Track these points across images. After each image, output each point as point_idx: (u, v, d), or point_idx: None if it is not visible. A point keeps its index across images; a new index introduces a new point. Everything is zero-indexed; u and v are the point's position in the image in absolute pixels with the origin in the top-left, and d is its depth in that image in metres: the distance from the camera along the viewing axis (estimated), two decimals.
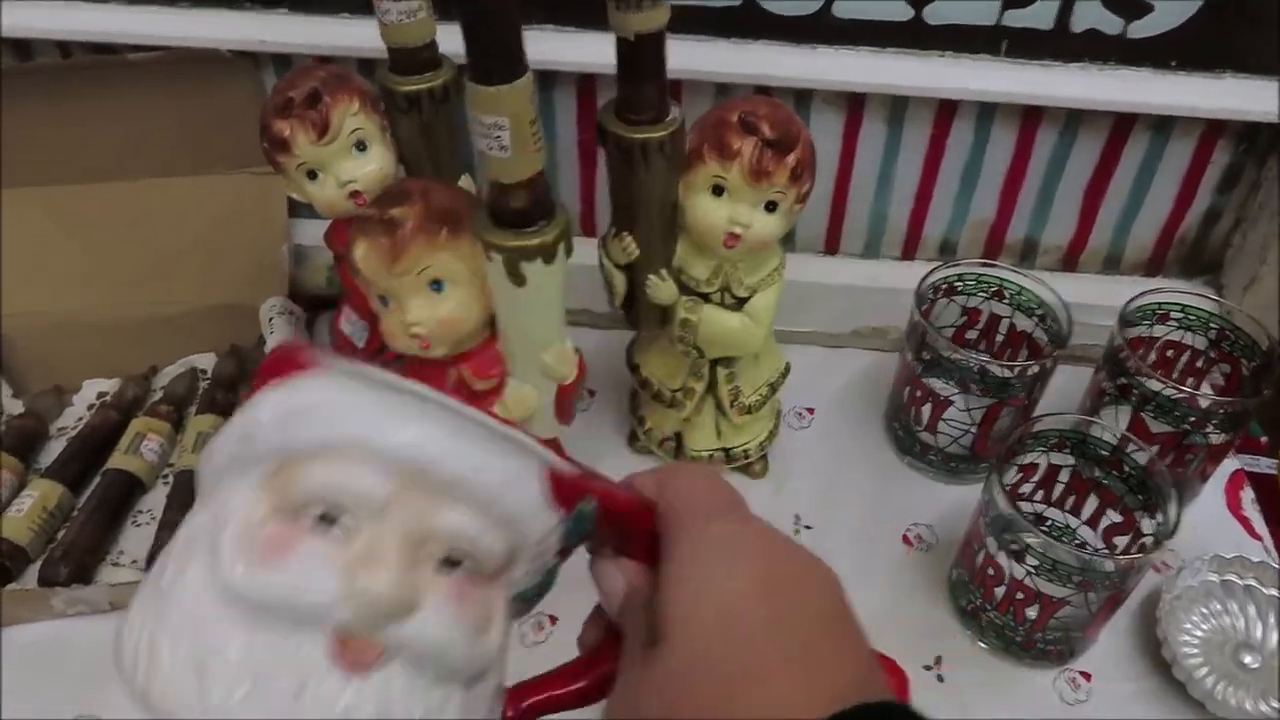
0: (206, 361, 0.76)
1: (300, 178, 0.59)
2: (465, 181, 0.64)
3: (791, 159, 0.55)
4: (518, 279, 0.48)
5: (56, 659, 0.59)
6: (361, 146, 0.59)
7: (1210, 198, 0.72)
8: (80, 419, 0.72)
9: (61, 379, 0.74)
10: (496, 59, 0.42)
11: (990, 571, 0.58)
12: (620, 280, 0.61)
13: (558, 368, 0.53)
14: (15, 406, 0.72)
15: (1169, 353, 0.69)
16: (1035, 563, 0.54)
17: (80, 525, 0.63)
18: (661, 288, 0.61)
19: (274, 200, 0.75)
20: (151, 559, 0.62)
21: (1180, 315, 0.67)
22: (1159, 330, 0.68)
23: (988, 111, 0.69)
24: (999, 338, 0.72)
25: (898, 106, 0.69)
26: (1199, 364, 0.68)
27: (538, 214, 0.47)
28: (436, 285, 0.50)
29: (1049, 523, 0.65)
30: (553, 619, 0.62)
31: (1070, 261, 0.76)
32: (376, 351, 0.67)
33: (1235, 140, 0.68)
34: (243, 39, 0.68)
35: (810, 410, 0.75)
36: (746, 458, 0.69)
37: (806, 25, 0.66)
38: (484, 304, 0.52)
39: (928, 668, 0.61)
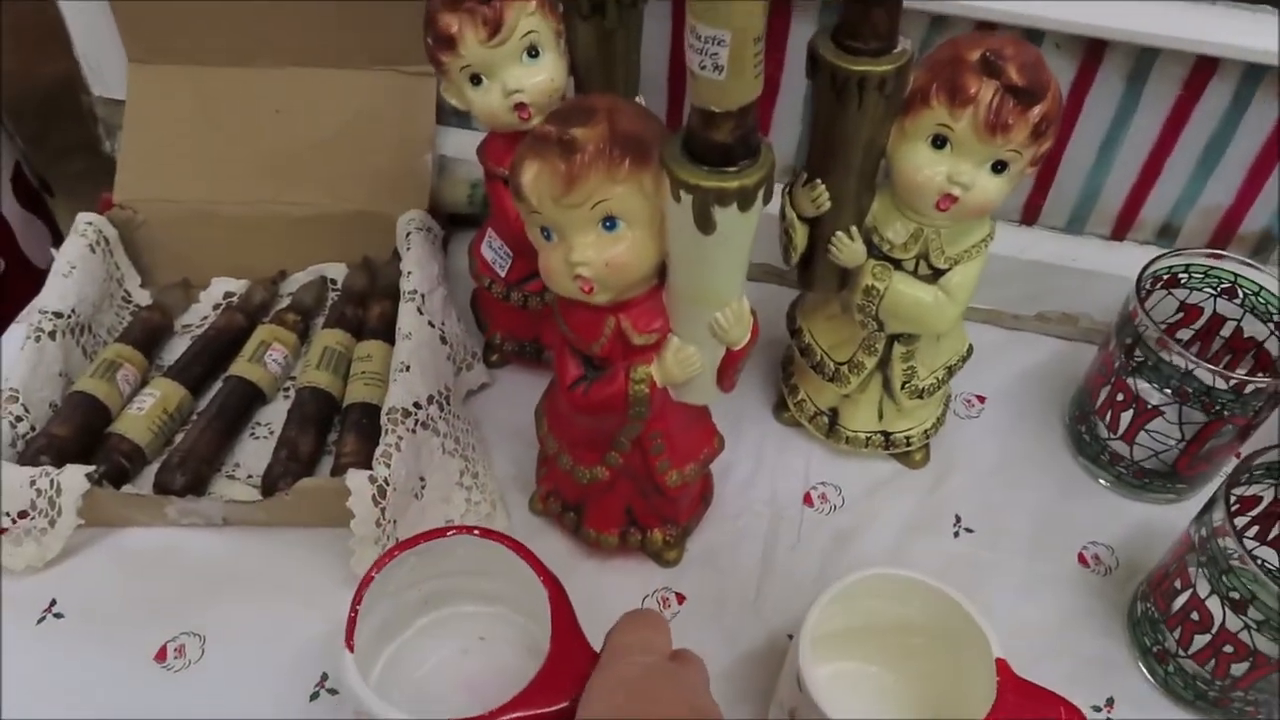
0: (336, 271, 0.71)
1: (462, 81, 0.53)
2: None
3: (1036, 112, 0.46)
4: (707, 225, 0.41)
5: (166, 567, 0.56)
6: (533, 52, 0.53)
7: None
8: (205, 318, 0.69)
9: (189, 272, 0.70)
10: None
11: (1194, 615, 0.50)
12: (802, 234, 0.54)
13: (731, 330, 0.46)
14: (143, 296, 0.69)
15: None
16: (1261, 617, 0.46)
17: (199, 433, 0.60)
18: (850, 248, 0.53)
19: (422, 103, 0.70)
20: (268, 475, 0.58)
21: None
22: None
23: (1254, 75, 0.58)
24: (1218, 340, 0.63)
25: (1145, 59, 0.59)
26: None
27: (741, 151, 0.40)
28: (610, 222, 0.44)
29: (1260, 562, 0.57)
30: (680, 597, 0.57)
31: None
32: (518, 281, 0.62)
33: None
34: None
35: (981, 398, 0.67)
36: (908, 445, 0.62)
37: None
38: (659, 248, 0.45)
39: (1097, 709, 0.54)
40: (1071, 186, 0.66)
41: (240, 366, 0.63)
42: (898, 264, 0.53)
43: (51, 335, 0.60)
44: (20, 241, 0.86)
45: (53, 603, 0.55)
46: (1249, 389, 0.54)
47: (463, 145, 0.71)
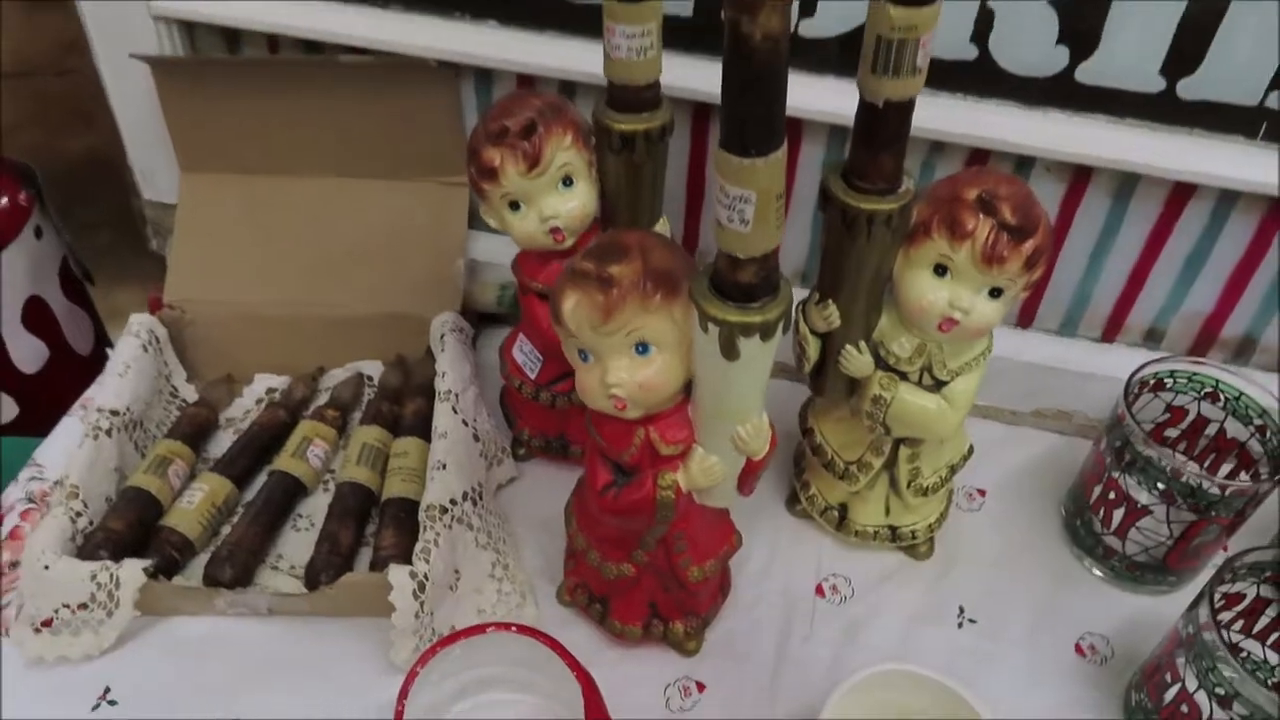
0: (373, 368, 0.75)
1: (502, 207, 0.58)
2: (663, 225, 0.62)
3: (1028, 246, 0.51)
4: (731, 353, 0.46)
5: (214, 656, 0.60)
6: (568, 181, 0.57)
7: None
8: (248, 412, 0.73)
9: (233, 368, 0.75)
10: (756, 130, 0.39)
11: (1184, 708, 0.53)
12: (815, 347, 0.58)
13: (751, 442, 0.50)
14: (188, 391, 0.74)
15: None
16: (1246, 712, 0.50)
17: (246, 526, 0.63)
18: (858, 360, 0.58)
19: (455, 211, 0.74)
20: (311, 568, 0.61)
21: None
22: None
23: (1229, 198, 0.63)
24: (1203, 440, 0.67)
25: (1127, 183, 0.64)
26: None
27: (763, 289, 0.45)
28: (642, 347, 0.48)
29: (1244, 654, 0.60)
30: (700, 686, 0.60)
31: None
32: (547, 383, 0.66)
33: None
34: (449, 49, 0.67)
35: (982, 492, 0.71)
36: (913, 538, 0.66)
37: (1041, 87, 0.61)
38: (686, 368, 0.49)
39: None
40: (1064, 293, 0.71)
41: (284, 461, 0.67)
42: (903, 375, 0.58)
43: (108, 433, 0.64)
44: (65, 331, 0.90)
45: (106, 690, 0.58)
46: (1229, 491, 0.58)
47: (492, 250, 0.76)
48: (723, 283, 0.45)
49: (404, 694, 0.50)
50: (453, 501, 0.61)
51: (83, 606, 0.58)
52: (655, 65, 0.54)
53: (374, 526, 0.65)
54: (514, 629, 0.52)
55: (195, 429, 0.69)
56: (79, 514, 0.61)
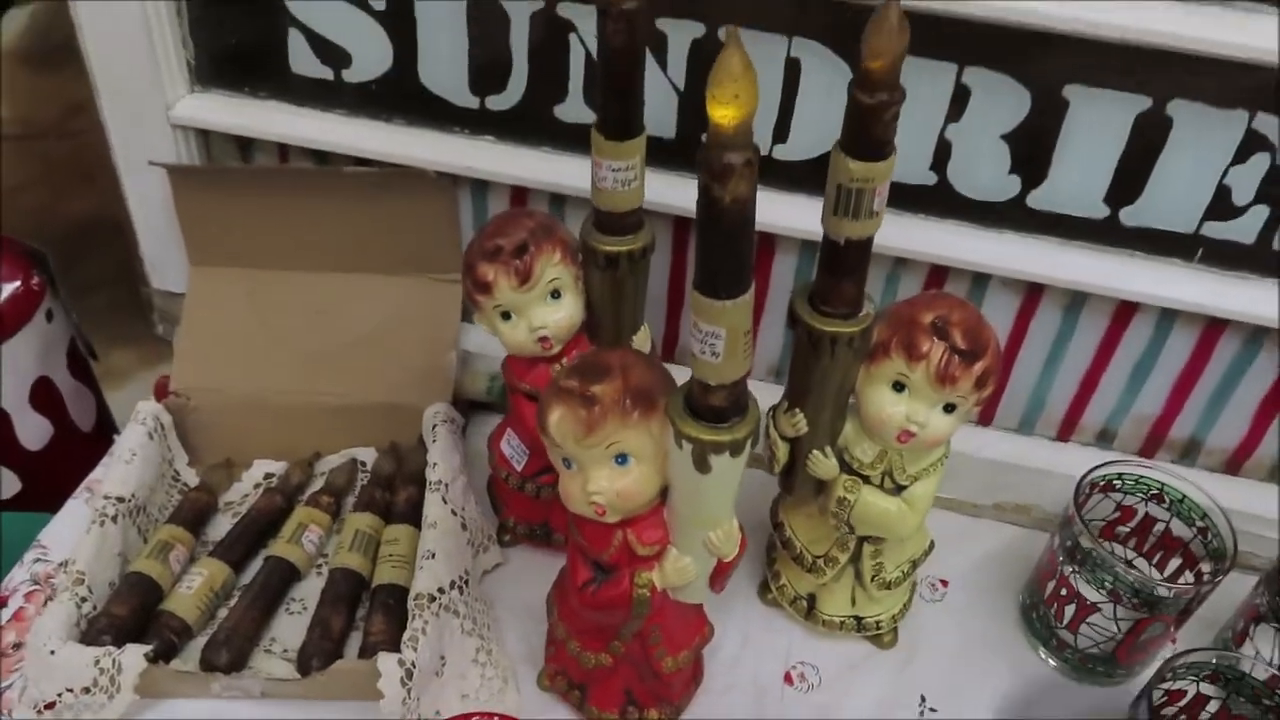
0: (367, 455, 0.79)
1: (494, 316, 0.62)
2: (643, 334, 0.66)
3: (979, 368, 0.55)
4: (704, 468, 0.50)
5: None
6: (556, 294, 0.62)
7: None
8: (246, 496, 0.77)
9: (233, 453, 0.78)
10: (726, 276, 0.44)
11: None
12: (784, 451, 0.62)
13: (722, 546, 0.54)
14: (189, 475, 0.77)
15: None
16: None
17: (242, 611, 0.66)
18: (824, 464, 0.62)
19: (448, 305, 0.79)
20: (304, 653, 0.64)
21: None
22: None
23: (1169, 316, 0.68)
24: (1151, 538, 0.71)
25: (1076, 299, 0.69)
26: None
27: (733, 411, 0.49)
28: (621, 459, 0.52)
29: None
30: None
31: (1234, 466, 0.75)
32: (532, 475, 0.70)
33: None
34: (447, 161, 0.72)
35: (945, 582, 0.75)
36: (879, 628, 0.69)
37: (996, 210, 0.66)
38: (662, 477, 0.53)
39: None
40: (1021, 395, 0.75)
41: (279, 547, 0.70)
42: (866, 479, 0.62)
43: (114, 519, 0.67)
44: (70, 409, 0.94)
45: None
46: (1173, 591, 0.62)
47: (483, 343, 0.80)
48: (696, 404, 0.49)
49: None
50: (440, 590, 0.65)
51: (85, 690, 0.61)
52: (639, 194, 0.59)
53: (364, 611, 0.68)
54: (496, 718, 0.56)
55: (196, 514, 0.73)
56: (84, 599, 0.64)
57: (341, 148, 0.73)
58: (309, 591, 0.70)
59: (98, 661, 0.60)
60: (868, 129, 0.47)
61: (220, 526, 0.74)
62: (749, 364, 0.47)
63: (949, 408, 0.57)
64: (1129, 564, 0.63)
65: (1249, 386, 0.70)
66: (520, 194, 0.74)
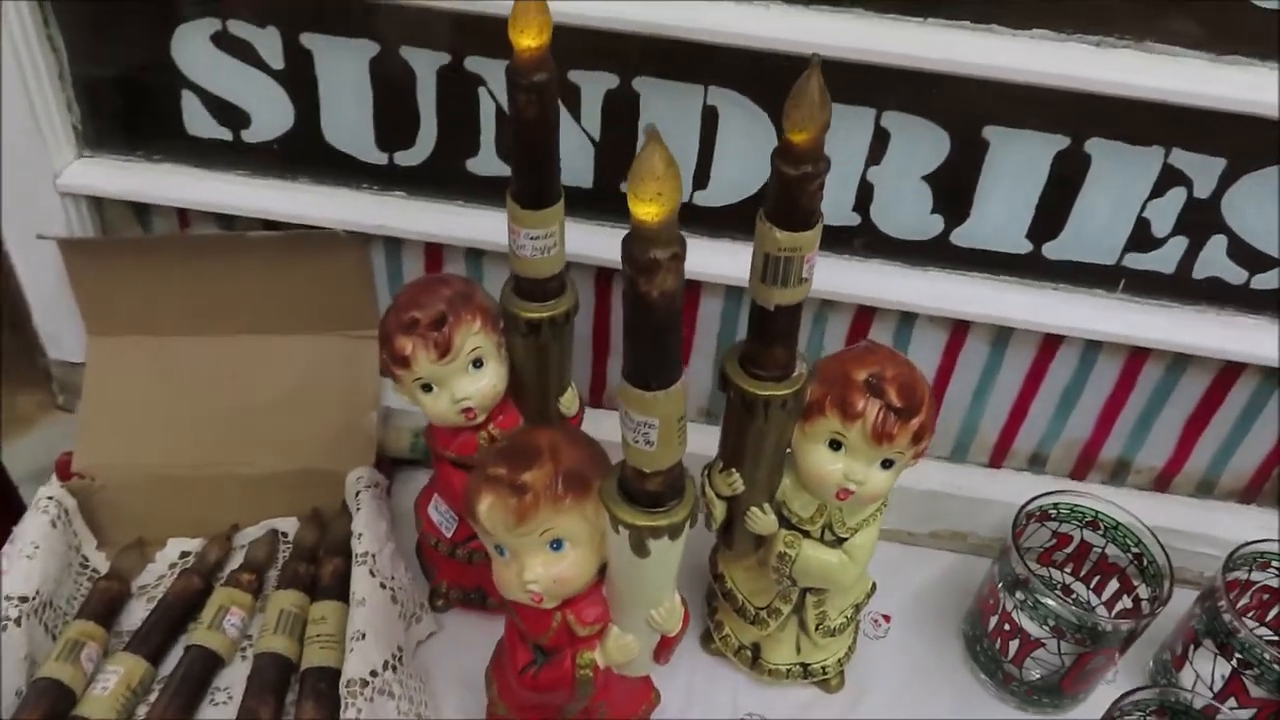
0: (287, 524, 0.75)
1: (414, 389, 0.60)
2: (570, 394, 0.64)
3: (915, 424, 0.54)
4: (642, 552, 0.48)
5: None
6: (478, 363, 0.59)
7: None
8: (161, 577, 0.73)
9: (145, 531, 0.74)
10: (656, 368, 0.42)
11: None
12: (720, 509, 0.61)
13: (665, 623, 0.53)
14: (98, 559, 0.73)
15: (1265, 596, 0.69)
16: None
17: (164, 708, 0.63)
18: (762, 520, 0.61)
19: (366, 364, 0.75)
20: None
21: None
22: (1257, 575, 0.68)
23: (1094, 346, 0.68)
24: (1087, 564, 0.71)
25: (1003, 333, 0.69)
26: None
27: (669, 496, 0.47)
28: (556, 544, 0.50)
29: None
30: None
31: (1163, 483, 0.76)
32: (464, 540, 0.68)
33: None
34: (357, 220, 0.69)
35: (887, 618, 0.75)
36: (825, 673, 0.68)
37: (921, 248, 0.66)
38: (599, 558, 0.51)
39: None
40: (953, 424, 0.75)
41: (200, 634, 0.67)
42: (806, 533, 0.61)
43: (18, 621, 0.63)
44: None
45: None
46: (1114, 626, 0.62)
47: (400, 397, 0.77)
48: (631, 489, 0.47)
49: None
50: (373, 673, 0.62)
51: None
52: (559, 259, 0.57)
53: (294, 697, 0.65)
54: None
55: (107, 605, 0.68)
56: None
57: (245, 210, 0.69)
58: (234, 679, 0.67)
59: None
60: (794, 200, 0.46)
61: (135, 614, 0.70)
62: (684, 449, 0.45)
63: (887, 463, 0.56)
64: (1067, 591, 0.63)
65: (1174, 408, 0.71)
66: (435, 250, 0.71)
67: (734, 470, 0.59)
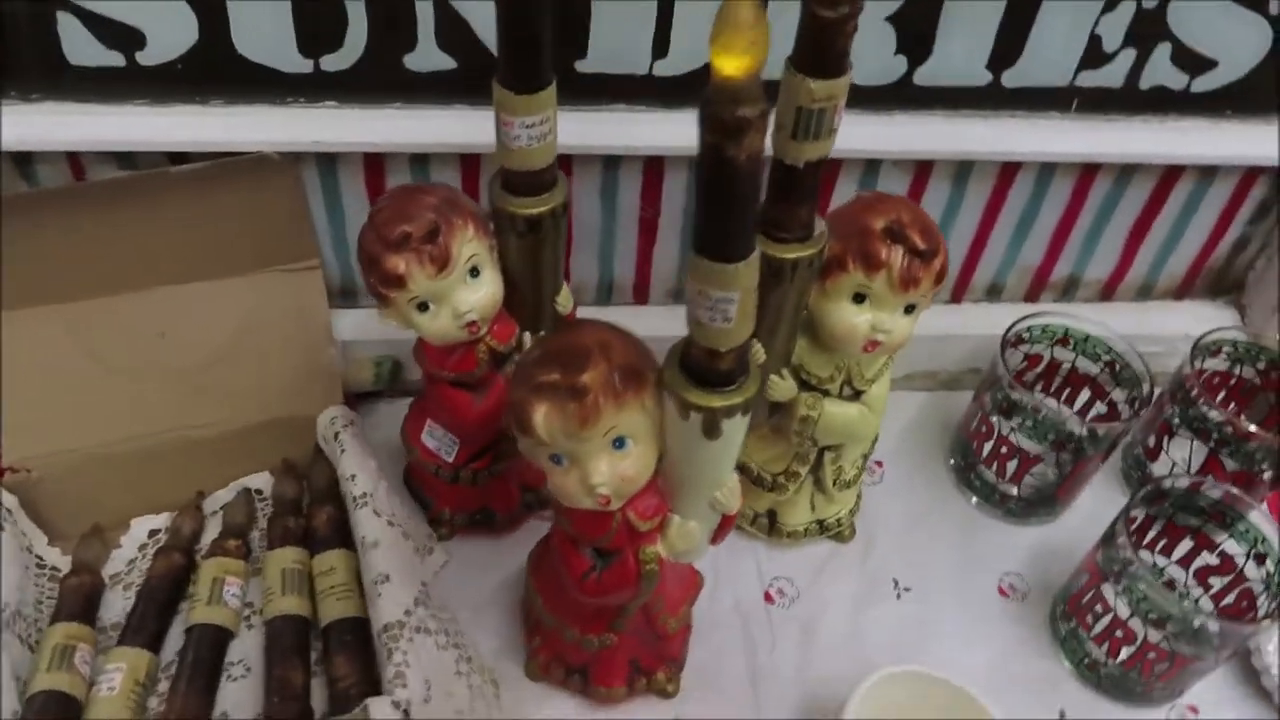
0: (258, 481, 0.70)
1: (409, 310, 0.55)
2: (565, 294, 0.61)
3: (936, 264, 0.55)
4: (714, 434, 0.47)
5: None
6: (475, 272, 0.55)
7: (1241, 229, 0.76)
8: (132, 561, 0.66)
9: (100, 516, 0.67)
10: (738, 238, 0.40)
11: (1118, 634, 0.60)
12: None
13: (728, 502, 0.52)
14: (53, 554, 0.65)
15: (1215, 381, 0.74)
16: (1178, 629, 0.57)
17: (182, 697, 0.58)
18: (781, 386, 0.60)
19: (312, 297, 0.69)
20: None
21: (1231, 349, 0.72)
22: (1209, 363, 0.73)
23: (1049, 168, 0.70)
24: (1057, 379, 0.75)
25: (963, 169, 0.69)
26: (1242, 393, 0.73)
27: (740, 372, 0.46)
28: (619, 442, 0.48)
29: (1166, 577, 0.68)
30: None
31: (1107, 294, 0.80)
32: (466, 462, 0.65)
33: (1275, 178, 0.72)
34: (285, 139, 0.62)
35: (879, 464, 0.77)
36: (839, 525, 0.70)
37: (885, 93, 0.65)
38: (658, 452, 0.50)
39: None
40: None
41: (201, 612, 0.61)
42: (825, 392, 0.61)
43: None
44: None
45: None
46: (1109, 431, 0.66)
47: (359, 326, 0.72)
48: (701, 371, 0.45)
49: None
50: (407, 613, 0.59)
51: None
52: (553, 146, 0.53)
53: (315, 655, 0.62)
54: None
55: (83, 602, 0.62)
56: None
57: (150, 145, 0.61)
58: (244, 650, 0.62)
59: None
60: (829, 45, 0.44)
61: (113, 605, 0.64)
62: (754, 321, 0.44)
63: (908, 309, 0.56)
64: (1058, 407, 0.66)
65: (1120, 219, 0.74)
66: (375, 162, 0.65)
67: (754, 339, 0.57)
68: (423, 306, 0.55)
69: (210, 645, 0.61)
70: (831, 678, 0.64)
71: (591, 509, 0.50)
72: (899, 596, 0.69)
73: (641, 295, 0.76)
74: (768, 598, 0.68)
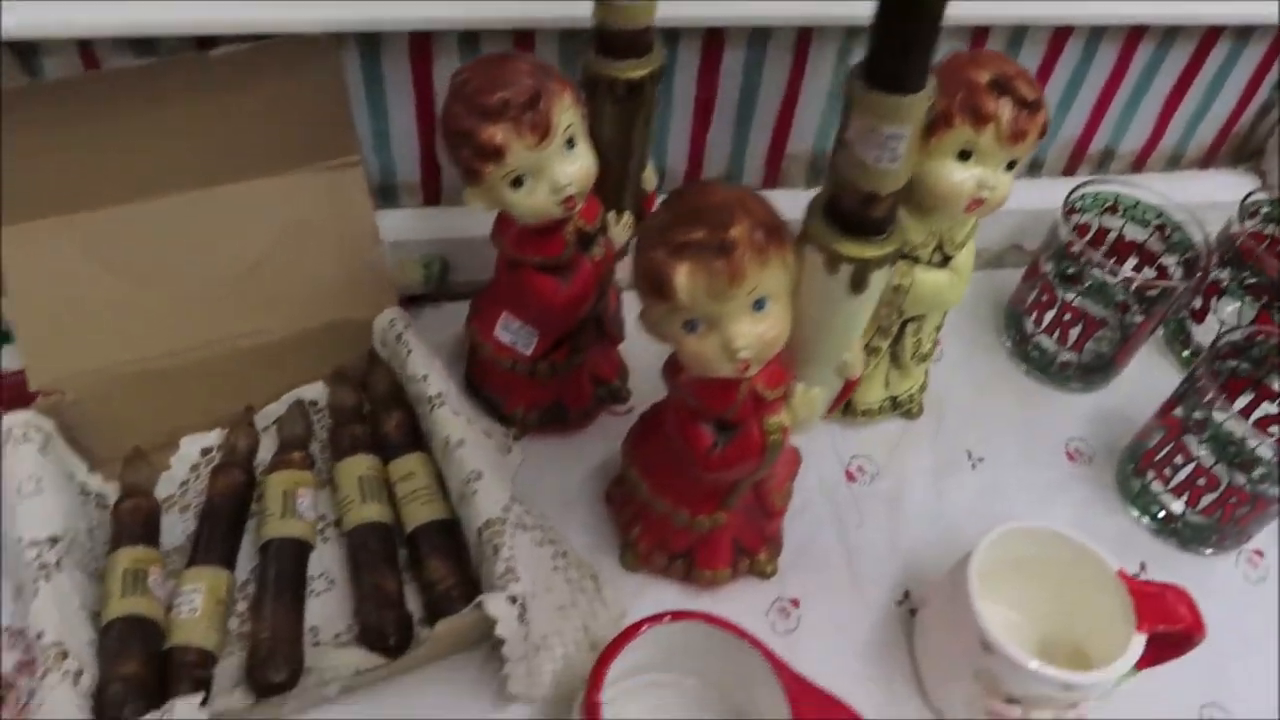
0: (309, 393, 0.66)
1: (502, 186, 0.52)
2: (650, 171, 0.58)
3: (1041, 117, 0.54)
4: (862, 288, 0.45)
5: None
6: (571, 143, 0.52)
7: (1268, 93, 0.77)
8: (184, 483, 0.62)
9: (139, 438, 0.62)
10: (916, 68, 0.38)
11: (1200, 481, 0.62)
12: None
13: (856, 364, 0.51)
14: (96, 482, 0.60)
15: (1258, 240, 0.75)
16: (1264, 471, 0.59)
17: (272, 614, 0.54)
18: None
19: (354, 195, 0.65)
20: (372, 632, 0.54)
21: (1269, 209, 0.73)
22: (1248, 224, 0.74)
23: (1097, 34, 0.70)
24: (1103, 248, 0.75)
25: (1016, 35, 0.69)
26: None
27: (890, 220, 0.44)
28: (759, 303, 0.46)
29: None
30: (794, 602, 0.61)
31: (1138, 165, 0.80)
32: (545, 354, 0.62)
33: None
34: (322, 18, 0.57)
35: (937, 342, 0.76)
36: (911, 401, 0.70)
37: None
38: (791, 312, 0.48)
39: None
40: None
41: (276, 526, 0.58)
42: (915, 259, 0.60)
43: (58, 566, 0.52)
44: None
45: None
46: (1179, 290, 0.66)
47: (400, 225, 0.68)
48: (853, 221, 0.44)
49: (599, 683, 0.47)
50: (505, 509, 0.56)
51: None
52: (654, 5, 0.50)
53: (403, 562, 0.59)
54: (668, 619, 0.50)
55: (143, 525, 0.58)
56: (80, 673, 0.49)
57: (173, 28, 0.56)
58: (325, 564, 0.59)
59: None
60: None
61: (171, 530, 0.60)
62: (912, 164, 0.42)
63: (1010, 165, 0.55)
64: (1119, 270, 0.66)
65: (1158, 85, 0.75)
66: (422, 44, 0.61)
67: None
68: (517, 182, 0.52)
69: (293, 560, 0.57)
70: (923, 548, 0.64)
71: (727, 376, 0.48)
72: (974, 467, 0.69)
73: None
74: (849, 476, 0.68)
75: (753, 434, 0.51)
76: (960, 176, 0.55)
